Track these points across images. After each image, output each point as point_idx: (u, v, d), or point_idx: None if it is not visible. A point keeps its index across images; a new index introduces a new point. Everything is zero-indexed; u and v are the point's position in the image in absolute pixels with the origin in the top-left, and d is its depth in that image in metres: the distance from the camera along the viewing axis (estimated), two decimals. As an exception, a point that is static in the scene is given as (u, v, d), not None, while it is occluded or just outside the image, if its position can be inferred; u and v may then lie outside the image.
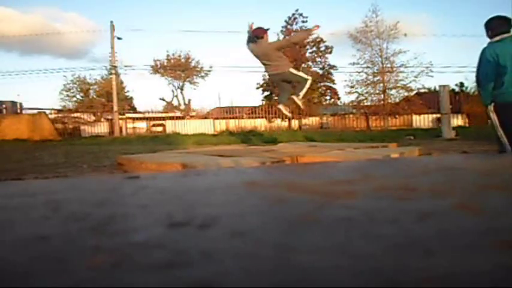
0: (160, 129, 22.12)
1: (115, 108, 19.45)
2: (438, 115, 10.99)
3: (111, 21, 19.81)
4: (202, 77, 27.35)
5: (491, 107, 3.35)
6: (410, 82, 21.25)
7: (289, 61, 5.30)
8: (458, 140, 9.59)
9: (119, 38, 20.05)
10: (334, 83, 24.83)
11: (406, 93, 21.78)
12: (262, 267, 0.40)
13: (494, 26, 3.32)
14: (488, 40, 3.39)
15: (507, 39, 3.23)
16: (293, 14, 23.94)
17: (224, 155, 4.64)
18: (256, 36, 5.12)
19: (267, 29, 5.22)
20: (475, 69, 3.47)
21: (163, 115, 24.64)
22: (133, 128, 22.53)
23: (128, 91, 28.90)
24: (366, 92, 21.83)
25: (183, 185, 1.02)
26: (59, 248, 0.49)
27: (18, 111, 17.43)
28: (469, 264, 0.39)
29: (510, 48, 3.19)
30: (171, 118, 22.84)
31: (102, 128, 21.24)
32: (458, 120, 20.28)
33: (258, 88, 25.36)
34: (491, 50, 3.26)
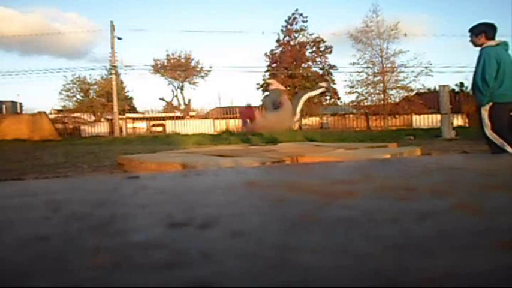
0: (160, 129, 22.13)
1: (115, 108, 19.45)
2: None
3: (111, 21, 19.83)
4: (202, 77, 27.39)
5: (487, 107, 3.39)
6: (410, 82, 21.26)
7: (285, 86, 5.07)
8: (458, 140, 9.59)
9: (119, 38, 20.06)
10: (334, 83, 24.84)
11: (406, 93, 21.79)
12: (263, 267, 0.40)
13: (489, 31, 3.43)
14: (470, 44, 3.55)
15: (500, 45, 3.38)
16: (293, 14, 23.94)
17: (224, 155, 4.64)
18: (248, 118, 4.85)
19: (250, 106, 5.05)
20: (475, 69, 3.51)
21: (164, 115, 24.66)
22: (133, 128, 22.56)
23: (128, 91, 28.93)
24: (366, 92, 21.83)
25: (183, 185, 1.02)
26: (59, 248, 0.49)
27: (18, 111, 17.42)
28: (469, 264, 0.39)
29: (505, 53, 3.35)
30: (171, 118, 22.86)
31: (102, 128, 21.25)
32: (458, 120, 20.27)
33: (258, 88, 25.38)
34: (494, 52, 3.33)
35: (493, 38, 3.45)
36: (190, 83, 27.37)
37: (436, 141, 9.70)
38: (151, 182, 1.09)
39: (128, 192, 0.93)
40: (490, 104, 3.40)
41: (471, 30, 3.56)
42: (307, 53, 24.01)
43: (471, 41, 3.57)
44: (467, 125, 19.46)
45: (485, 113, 3.43)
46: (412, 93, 22.01)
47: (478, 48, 3.51)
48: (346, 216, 0.61)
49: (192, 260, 0.42)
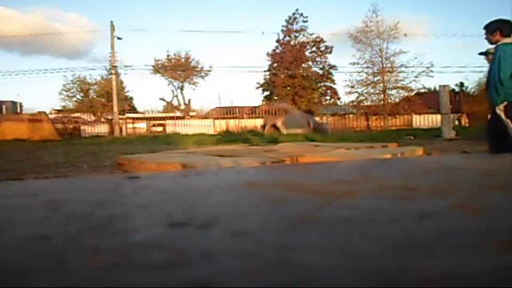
0: (160, 129, 22.13)
1: (115, 108, 19.45)
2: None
3: (111, 21, 19.83)
4: (202, 77, 27.39)
5: (501, 106, 3.34)
6: (411, 82, 21.27)
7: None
8: (458, 140, 9.58)
9: (119, 38, 20.06)
10: (334, 83, 24.87)
11: (406, 93, 21.79)
12: (263, 267, 0.40)
13: (504, 28, 3.36)
14: (485, 41, 3.47)
15: None
16: (293, 14, 23.97)
17: (224, 155, 4.63)
18: None
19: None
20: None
21: (164, 115, 24.65)
22: (133, 128, 22.54)
23: (128, 91, 28.93)
24: (366, 92, 21.83)
25: (183, 185, 1.02)
26: (59, 248, 0.49)
27: (18, 111, 17.41)
28: (469, 264, 0.39)
29: None
30: (171, 118, 22.85)
31: (102, 128, 21.24)
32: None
33: (258, 88, 25.39)
34: (510, 49, 3.27)
35: (508, 36, 3.36)
36: (190, 83, 27.38)
37: (436, 141, 9.70)
38: (151, 182, 1.09)
39: (127, 192, 0.93)
40: (505, 103, 3.34)
41: (486, 27, 3.47)
42: (307, 53, 24.04)
43: (486, 38, 3.48)
44: (467, 125, 19.45)
45: (501, 112, 3.37)
46: (412, 93, 22.00)
47: (484, 47, 3.46)
48: (346, 216, 0.61)
49: (192, 260, 0.42)
